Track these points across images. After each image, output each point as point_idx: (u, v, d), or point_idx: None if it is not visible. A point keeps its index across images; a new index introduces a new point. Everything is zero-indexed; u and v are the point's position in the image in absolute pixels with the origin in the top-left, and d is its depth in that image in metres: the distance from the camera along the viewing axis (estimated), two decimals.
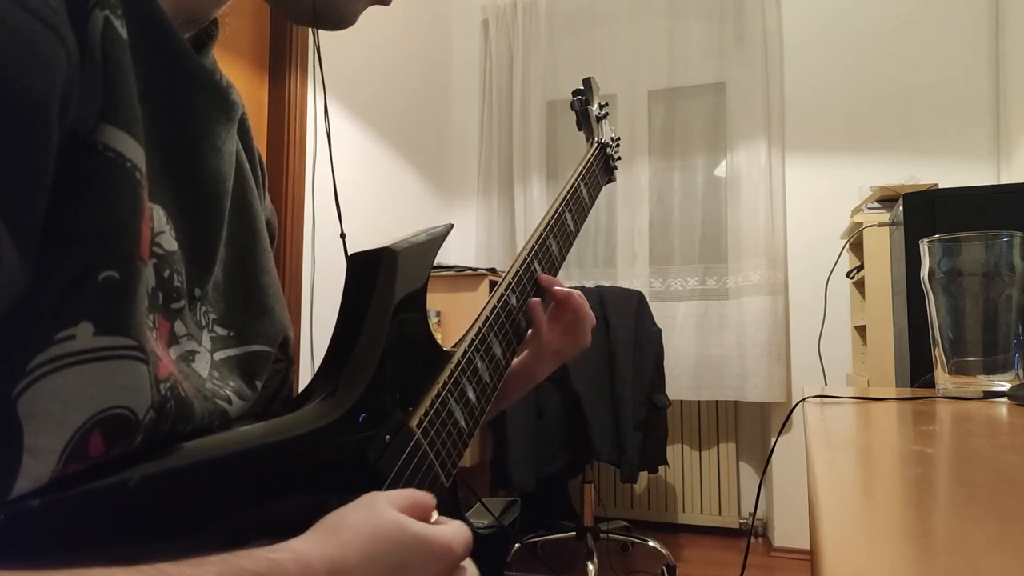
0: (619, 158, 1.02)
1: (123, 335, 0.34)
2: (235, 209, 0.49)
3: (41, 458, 0.31)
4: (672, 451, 3.03)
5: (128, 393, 0.34)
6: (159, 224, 0.39)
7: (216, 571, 0.31)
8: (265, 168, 0.60)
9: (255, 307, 0.49)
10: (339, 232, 0.85)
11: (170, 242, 0.40)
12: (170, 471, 0.35)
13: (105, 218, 0.33)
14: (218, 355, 0.45)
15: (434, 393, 0.54)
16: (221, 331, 0.46)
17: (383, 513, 0.40)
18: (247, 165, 0.53)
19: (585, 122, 1.00)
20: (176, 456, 0.36)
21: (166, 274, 0.40)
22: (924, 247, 0.89)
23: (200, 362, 0.43)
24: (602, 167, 0.95)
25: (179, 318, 0.41)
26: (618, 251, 3.12)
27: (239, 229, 0.49)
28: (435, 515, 0.45)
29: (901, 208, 1.17)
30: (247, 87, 2.17)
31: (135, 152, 0.35)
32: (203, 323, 0.44)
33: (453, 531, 0.43)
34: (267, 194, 0.61)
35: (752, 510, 3.00)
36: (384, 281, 0.51)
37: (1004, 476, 0.38)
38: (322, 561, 0.35)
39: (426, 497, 0.44)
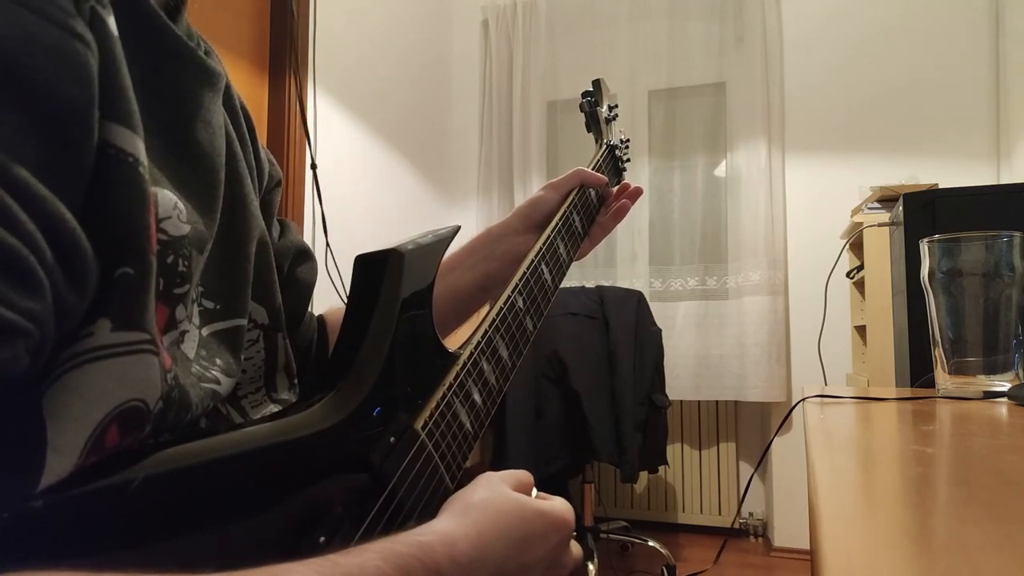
0: (628, 160, 1.01)
1: (139, 330, 0.34)
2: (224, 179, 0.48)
3: (64, 454, 0.31)
4: (672, 451, 3.03)
5: (143, 385, 0.35)
6: (165, 210, 0.39)
7: (379, 557, 0.35)
8: (252, 120, 0.59)
9: (241, 277, 0.49)
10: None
11: (178, 227, 0.40)
12: (176, 472, 0.35)
13: (116, 216, 0.33)
14: (206, 330, 0.45)
15: (439, 395, 0.53)
16: (208, 304, 0.46)
17: (502, 492, 0.44)
18: (233, 132, 0.52)
19: (594, 124, 0.99)
20: (181, 457, 0.36)
21: (169, 260, 0.40)
22: (924, 247, 0.89)
23: (189, 341, 0.43)
24: (611, 169, 0.95)
25: (181, 302, 0.41)
26: (618, 251, 3.12)
27: (225, 197, 0.48)
28: (534, 491, 0.49)
29: (901, 208, 1.18)
30: (247, 87, 2.17)
31: (135, 145, 0.35)
32: (193, 297, 0.44)
33: (563, 505, 0.48)
34: (262, 146, 0.60)
35: (750, 510, 3.00)
36: (390, 282, 0.50)
37: (1004, 476, 0.38)
38: (464, 539, 0.39)
39: (527, 475, 0.49)
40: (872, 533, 0.27)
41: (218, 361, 0.45)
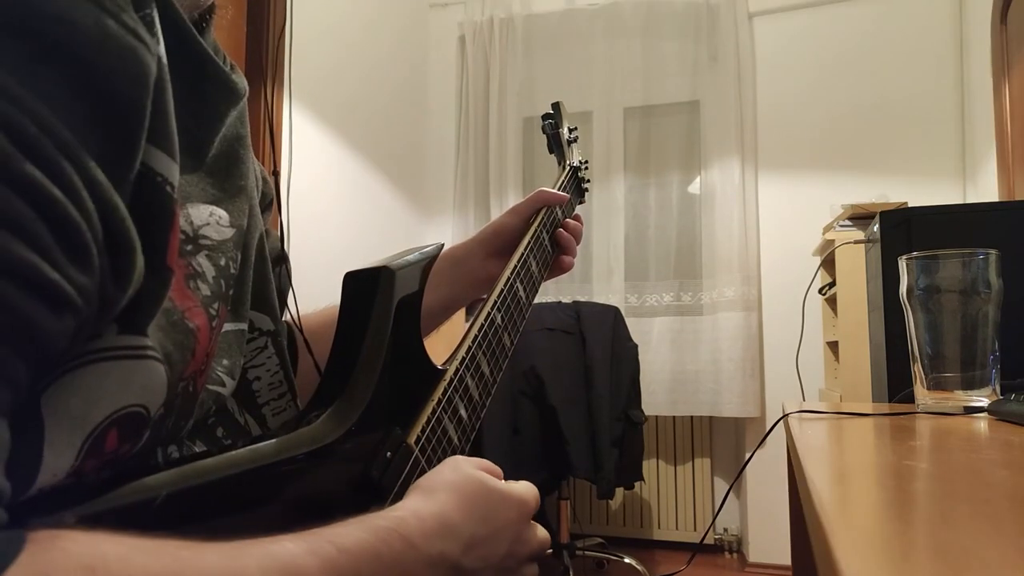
0: (589, 180, 1.05)
1: (144, 335, 0.35)
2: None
3: (60, 452, 0.31)
4: (647, 466, 3.04)
5: (146, 392, 0.35)
6: (200, 218, 0.42)
7: (360, 528, 0.37)
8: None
9: (246, 283, 0.50)
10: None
11: (220, 231, 0.43)
12: (193, 489, 0.36)
13: (137, 229, 0.34)
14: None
15: (429, 411, 0.54)
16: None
17: (467, 472, 0.47)
18: (249, 143, 0.54)
19: (556, 146, 1.03)
20: (196, 474, 0.37)
21: (222, 262, 0.42)
22: (903, 264, 0.91)
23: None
24: (574, 189, 0.98)
25: (229, 301, 0.44)
26: (594, 267, 3.14)
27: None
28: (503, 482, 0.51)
29: (877, 226, 1.20)
30: None
31: (167, 168, 0.35)
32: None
33: (526, 487, 0.51)
34: (258, 163, 0.62)
35: (725, 525, 3.01)
36: (382, 299, 0.51)
37: (1004, 491, 0.38)
38: (432, 516, 0.42)
39: (494, 465, 0.51)
40: (893, 553, 0.27)
41: (224, 361, 0.46)
